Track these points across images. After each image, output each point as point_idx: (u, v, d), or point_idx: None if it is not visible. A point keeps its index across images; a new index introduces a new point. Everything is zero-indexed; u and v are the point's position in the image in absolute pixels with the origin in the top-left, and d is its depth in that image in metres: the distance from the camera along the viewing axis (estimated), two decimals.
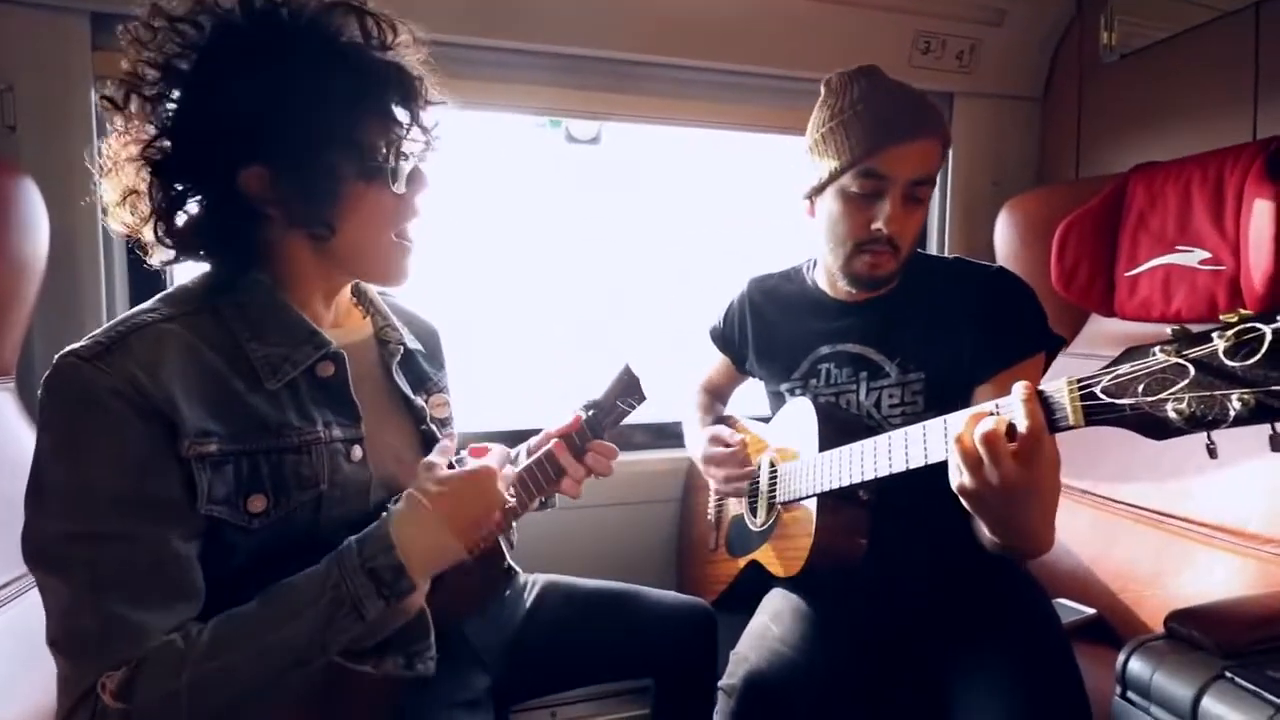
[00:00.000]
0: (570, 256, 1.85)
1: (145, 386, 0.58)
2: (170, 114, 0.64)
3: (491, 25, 1.33)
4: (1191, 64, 1.35)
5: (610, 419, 0.84)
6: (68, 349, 0.60)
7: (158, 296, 0.67)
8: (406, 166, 0.69)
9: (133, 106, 0.64)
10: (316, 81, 0.62)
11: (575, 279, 1.89)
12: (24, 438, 1.02)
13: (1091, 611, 1.12)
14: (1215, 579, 1.00)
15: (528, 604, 0.97)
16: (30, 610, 0.83)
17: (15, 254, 1.01)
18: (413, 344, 0.84)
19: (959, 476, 0.66)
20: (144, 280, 1.30)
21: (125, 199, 0.67)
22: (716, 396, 1.34)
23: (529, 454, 0.88)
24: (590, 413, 0.84)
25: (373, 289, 0.84)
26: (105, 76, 1.20)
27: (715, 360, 1.30)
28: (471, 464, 0.72)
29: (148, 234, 0.67)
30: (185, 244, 0.68)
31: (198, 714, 0.57)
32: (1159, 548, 1.09)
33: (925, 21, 1.52)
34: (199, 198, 0.66)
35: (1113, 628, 1.10)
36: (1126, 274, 1.26)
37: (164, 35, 0.62)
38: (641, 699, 1.36)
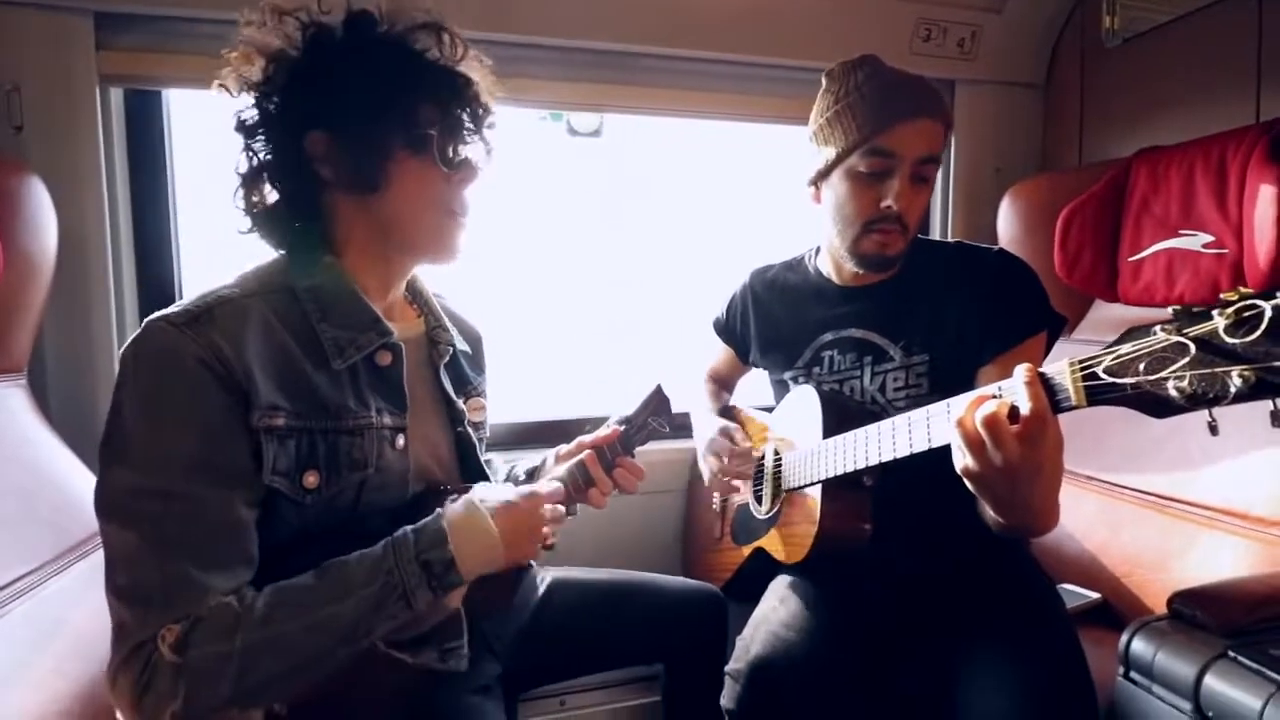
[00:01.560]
0: (573, 249, 1.86)
1: (228, 357, 0.62)
2: (263, 91, 0.72)
3: (491, 19, 1.33)
4: (1194, 47, 1.34)
5: (641, 436, 0.87)
6: (157, 314, 0.64)
7: (238, 275, 0.72)
8: (458, 153, 0.74)
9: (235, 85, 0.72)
10: (384, 68, 0.70)
11: (578, 272, 1.90)
12: (35, 434, 1.03)
13: (1096, 596, 1.13)
14: (1220, 562, 1.00)
15: (539, 595, 0.98)
16: (44, 604, 0.85)
17: (24, 253, 1.03)
18: (461, 345, 0.88)
19: (963, 459, 0.67)
20: (152, 279, 1.32)
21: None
22: (722, 386, 1.35)
23: (557, 459, 0.91)
24: (624, 428, 0.87)
25: (428, 289, 0.88)
26: (111, 76, 1.21)
27: (719, 351, 1.30)
28: (527, 488, 0.76)
29: (238, 200, 0.73)
30: (261, 219, 0.74)
31: (245, 678, 0.60)
32: (1163, 532, 1.09)
33: (926, 9, 1.52)
34: (273, 168, 0.72)
35: (1118, 612, 1.11)
36: (1129, 259, 1.26)
37: (274, 27, 0.71)
38: (650, 687, 1.37)
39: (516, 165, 1.60)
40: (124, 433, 0.61)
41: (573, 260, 1.87)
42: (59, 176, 1.13)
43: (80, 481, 1.03)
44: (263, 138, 0.72)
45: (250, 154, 0.72)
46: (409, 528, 0.69)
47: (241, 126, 0.72)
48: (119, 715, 0.70)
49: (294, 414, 0.66)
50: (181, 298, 1.20)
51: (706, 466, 1.16)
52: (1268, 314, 0.49)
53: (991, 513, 0.76)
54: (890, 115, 0.90)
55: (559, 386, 1.87)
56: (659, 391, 0.89)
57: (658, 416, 0.88)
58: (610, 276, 1.96)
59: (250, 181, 0.72)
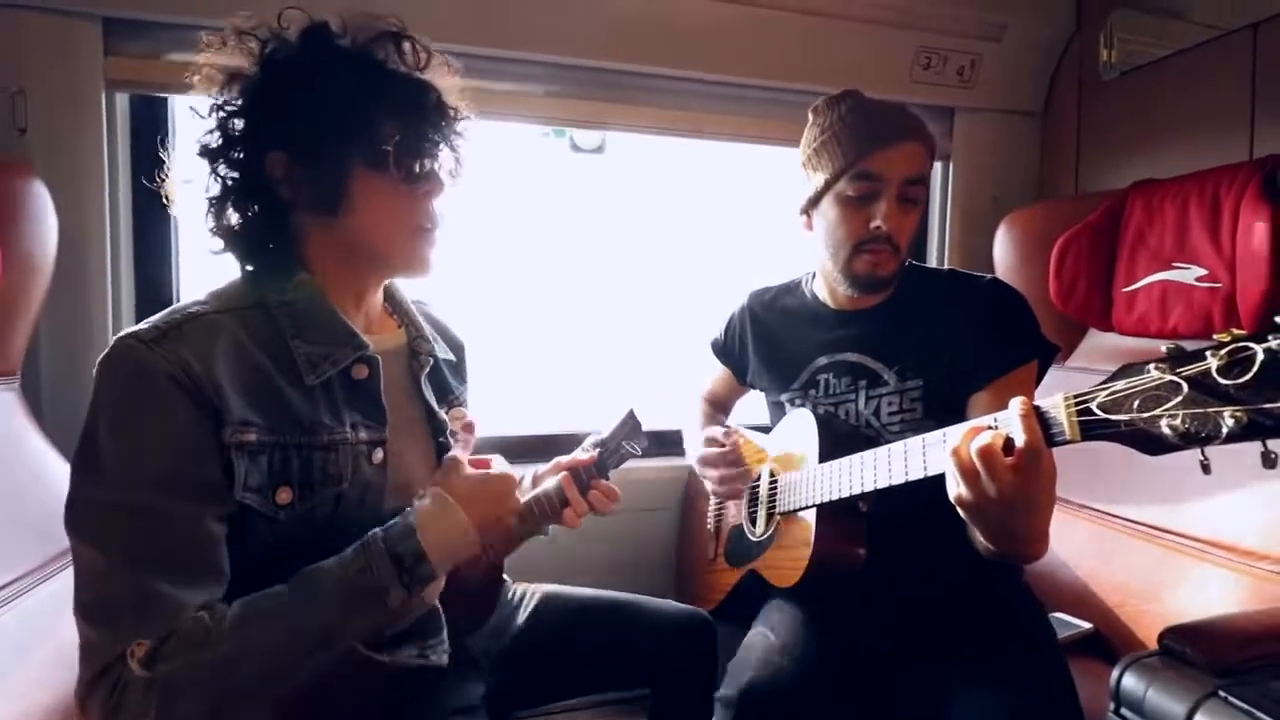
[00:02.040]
0: (574, 264, 1.86)
1: (197, 373, 0.62)
2: (224, 112, 0.71)
3: (496, 35, 1.34)
4: (1190, 82, 1.36)
5: (614, 459, 0.89)
6: (126, 331, 0.64)
7: (209, 291, 0.72)
8: (421, 166, 0.73)
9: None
10: (339, 83, 0.69)
11: (578, 287, 1.90)
12: (27, 438, 1.02)
13: (1088, 626, 1.12)
14: (1210, 595, 1.00)
15: (526, 613, 0.97)
16: (29, 613, 0.84)
17: (24, 255, 1.02)
18: (443, 354, 0.87)
19: (957, 488, 0.67)
20: (150, 283, 1.31)
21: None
22: (718, 407, 1.35)
23: (534, 482, 0.91)
24: (598, 451, 0.88)
25: (407, 299, 0.87)
26: (117, 81, 1.21)
27: (717, 372, 1.31)
28: (495, 472, 0.76)
29: (208, 222, 0.73)
30: (232, 238, 0.73)
31: (220, 688, 0.59)
32: (1155, 563, 1.09)
33: (926, 37, 1.54)
34: (238, 190, 0.71)
35: (1109, 642, 1.10)
36: (1124, 290, 1.27)
37: (235, 46, 0.70)
38: (638, 708, 1.36)
39: (519, 180, 1.61)
40: (94, 448, 0.61)
41: (573, 275, 1.88)
42: (61, 180, 1.13)
43: None
44: (224, 160, 0.71)
45: (215, 177, 0.71)
46: (378, 528, 0.68)
47: (205, 151, 0.71)
48: None
49: (266, 429, 0.66)
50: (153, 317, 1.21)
51: (707, 481, 1.16)
52: (1260, 357, 0.49)
53: (982, 539, 0.76)
54: (873, 140, 0.93)
55: (558, 400, 1.87)
56: (631, 415, 0.91)
57: (631, 440, 0.90)
58: (610, 292, 1.97)
59: (218, 203, 0.72)
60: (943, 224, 1.69)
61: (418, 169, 0.72)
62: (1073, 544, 1.21)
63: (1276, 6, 1.20)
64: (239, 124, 0.70)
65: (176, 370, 0.61)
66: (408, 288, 0.89)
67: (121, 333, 0.64)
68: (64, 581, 0.90)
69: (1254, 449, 0.51)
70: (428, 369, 0.84)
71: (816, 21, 1.46)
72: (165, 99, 1.30)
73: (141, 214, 1.29)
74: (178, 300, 1.32)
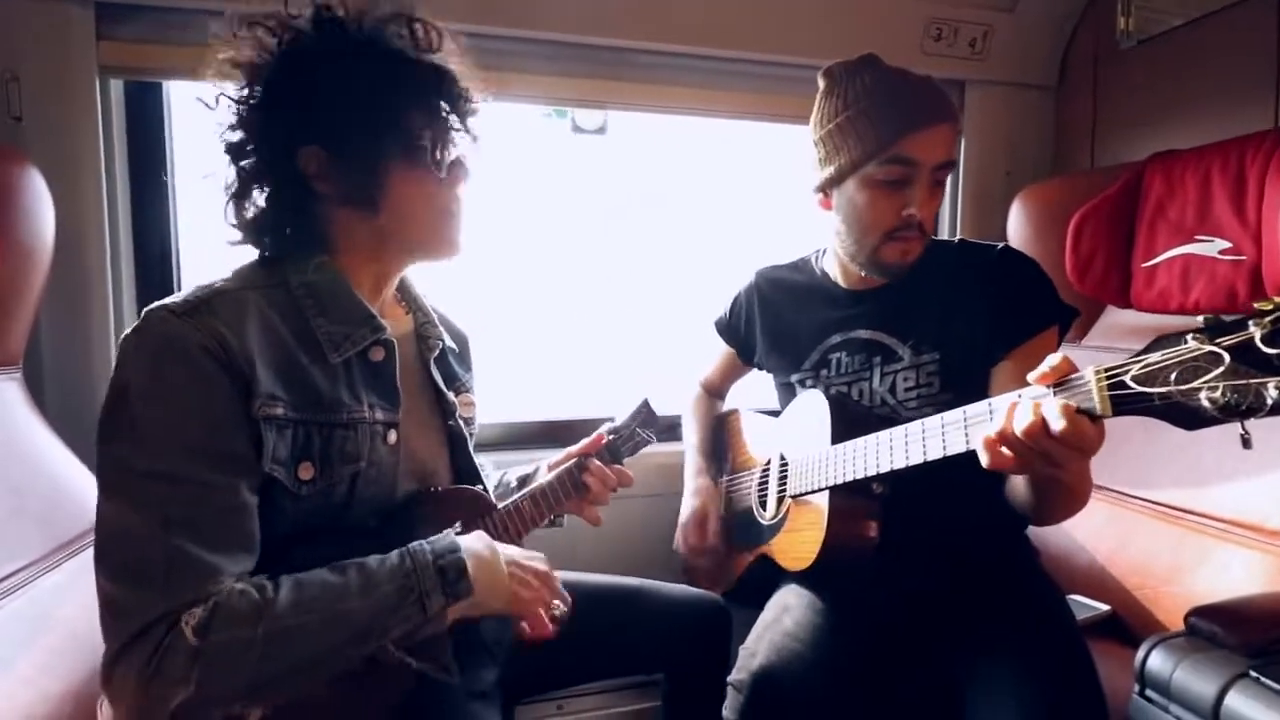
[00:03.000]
0: (576, 247, 1.84)
1: (231, 345, 0.63)
2: (245, 106, 0.71)
3: (496, 13, 1.31)
4: (1211, 50, 1.32)
5: (629, 446, 0.91)
6: (157, 304, 0.64)
7: (232, 271, 0.72)
8: (449, 155, 0.74)
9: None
10: (367, 76, 0.69)
11: (581, 270, 1.88)
12: (30, 428, 1.01)
13: (1106, 608, 1.11)
14: (1233, 576, 0.98)
15: None
16: (34, 602, 0.83)
17: (21, 244, 1.01)
18: (449, 342, 0.89)
19: (997, 461, 0.65)
20: (151, 271, 1.30)
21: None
22: (716, 393, 1.34)
23: (549, 469, 0.93)
24: (612, 437, 0.90)
25: (417, 287, 0.88)
26: (111, 66, 1.19)
27: (718, 354, 1.29)
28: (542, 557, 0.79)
29: (228, 216, 0.73)
30: (252, 228, 0.74)
31: (264, 667, 0.59)
32: (1176, 544, 1.07)
33: (937, 8, 1.49)
34: (265, 182, 0.72)
35: (1127, 625, 1.09)
36: (1143, 265, 1.24)
37: (246, 38, 0.70)
38: (650, 692, 1.35)
39: (520, 162, 1.58)
40: (129, 415, 0.61)
41: (576, 258, 1.85)
42: (57, 168, 1.11)
43: (74, 477, 1.01)
44: (252, 154, 0.71)
45: (239, 170, 0.72)
46: (424, 541, 0.70)
47: (231, 147, 0.71)
48: (105, 709, 0.69)
49: (291, 405, 0.67)
50: (180, 291, 1.21)
51: (681, 545, 1.17)
52: None
53: (1026, 497, 0.79)
54: (909, 122, 0.87)
55: (563, 385, 1.85)
56: (646, 404, 0.93)
57: (645, 428, 0.92)
58: (614, 275, 1.95)
59: (240, 196, 0.72)
60: (954, 201, 1.65)
61: (449, 158, 0.74)
62: (1090, 526, 1.19)
63: None
64: (264, 118, 0.70)
65: (210, 342, 0.62)
66: (418, 280, 0.90)
67: (152, 305, 0.64)
68: (68, 572, 0.90)
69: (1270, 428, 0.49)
70: (436, 353, 0.85)
71: None
72: (160, 84, 1.28)
73: (139, 201, 1.28)
74: (179, 287, 1.31)
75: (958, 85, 1.60)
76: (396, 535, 0.72)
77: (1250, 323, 0.49)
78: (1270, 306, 0.49)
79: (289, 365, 0.68)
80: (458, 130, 0.74)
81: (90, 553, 0.89)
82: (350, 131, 0.69)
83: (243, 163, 0.71)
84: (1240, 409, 0.49)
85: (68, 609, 0.86)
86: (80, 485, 1.00)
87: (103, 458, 0.62)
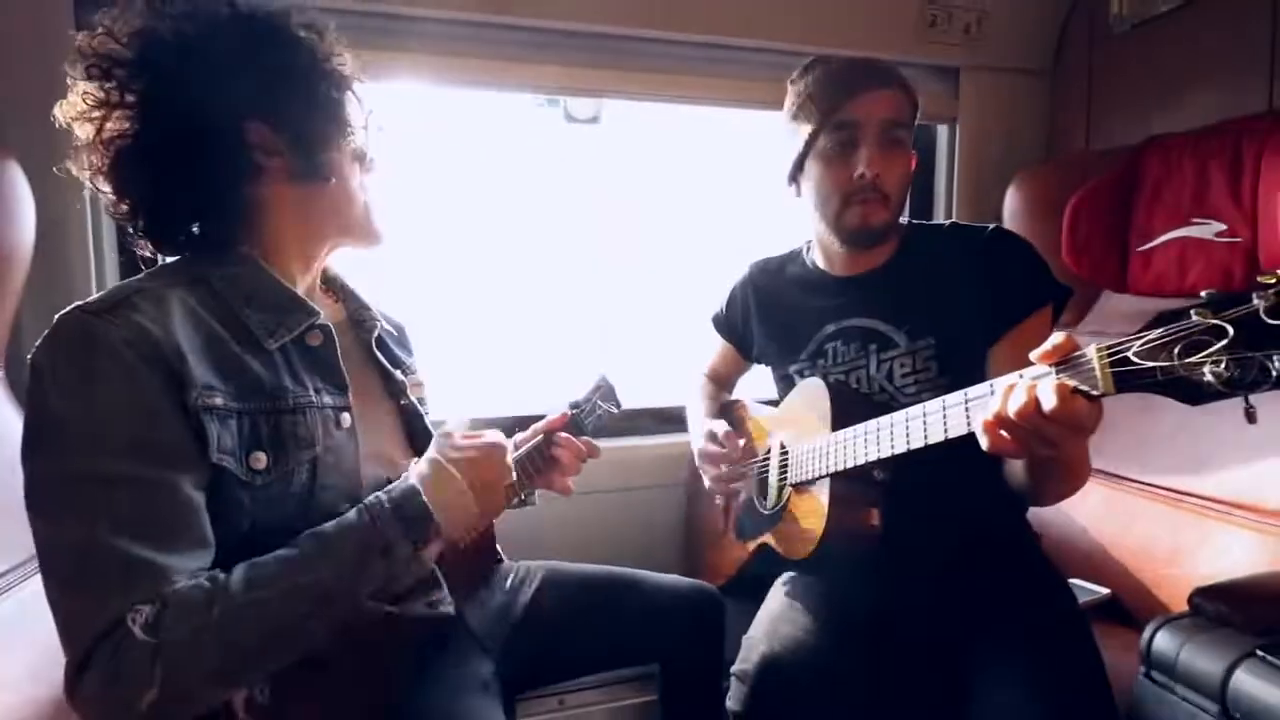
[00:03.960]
0: (570, 238, 1.82)
1: (156, 338, 0.60)
2: (158, 89, 0.67)
3: (487, 1, 1.29)
4: (1205, 32, 1.31)
5: (591, 420, 0.93)
6: (71, 306, 0.61)
7: (145, 273, 0.70)
8: (372, 142, 0.77)
9: (107, 87, 0.67)
10: (298, 55, 0.70)
11: (574, 261, 1.87)
12: (13, 429, 0.99)
13: (1106, 592, 1.10)
14: (1234, 558, 0.98)
15: (531, 591, 0.96)
16: (20, 604, 0.82)
17: (1, 243, 0.99)
18: (386, 325, 0.89)
19: (996, 445, 0.64)
20: (135, 270, 1.27)
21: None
22: (721, 384, 1.32)
23: (516, 448, 0.91)
24: (574, 411, 0.92)
25: (342, 275, 0.87)
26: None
27: (718, 347, 1.28)
28: (485, 440, 0.77)
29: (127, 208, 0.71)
30: (163, 220, 0.72)
31: (227, 650, 0.58)
32: (1175, 526, 1.07)
33: None
34: (194, 160, 0.68)
35: (1128, 608, 1.08)
36: (1140, 249, 1.23)
37: (153, 19, 0.67)
38: (649, 685, 1.35)
39: (512, 151, 1.57)
40: (53, 423, 0.58)
41: (568, 248, 1.84)
42: (37, 161, 1.08)
43: None
44: (185, 130, 0.67)
45: (152, 150, 0.67)
46: (380, 492, 0.69)
47: (151, 122, 0.67)
48: None
49: (231, 395, 0.64)
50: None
51: (704, 476, 1.14)
52: None
53: (1021, 478, 0.80)
54: (846, 91, 0.93)
55: (550, 377, 1.84)
56: (604, 379, 0.95)
57: (606, 401, 0.93)
58: (607, 265, 1.93)
59: (149, 181, 0.69)
60: (950, 187, 1.64)
61: (372, 146, 0.77)
62: (1089, 509, 1.18)
63: None
64: (198, 92, 0.66)
65: (132, 335, 0.60)
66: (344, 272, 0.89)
67: (65, 309, 0.61)
68: None
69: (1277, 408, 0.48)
70: (375, 334, 0.85)
71: None
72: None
73: None
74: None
75: (952, 72, 1.60)
76: None
77: (1254, 295, 0.49)
78: (1274, 279, 0.48)
79: (222, 356, 0.65)
80: (372, 124, 0.77)
81: None
82: (297, 106, 0.70)
83: (169, 141, 0.67)
84: (1245, 383, 0.49)
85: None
86: None
87: (30, 472, 0.59)
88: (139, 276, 0.68)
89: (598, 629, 0.95)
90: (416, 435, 0.85)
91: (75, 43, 0.68)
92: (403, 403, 0.85)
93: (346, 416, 0.74)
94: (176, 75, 0.66)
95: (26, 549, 0.87)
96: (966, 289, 0.93)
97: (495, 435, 0.78)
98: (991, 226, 0.99)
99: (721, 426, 1.10)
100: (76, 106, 0.68)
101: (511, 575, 0.97)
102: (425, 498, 0.68)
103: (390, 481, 0.73)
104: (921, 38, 1.51)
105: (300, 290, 0.75)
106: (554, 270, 1.82)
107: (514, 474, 0.78)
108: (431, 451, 0.73)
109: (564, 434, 0.90)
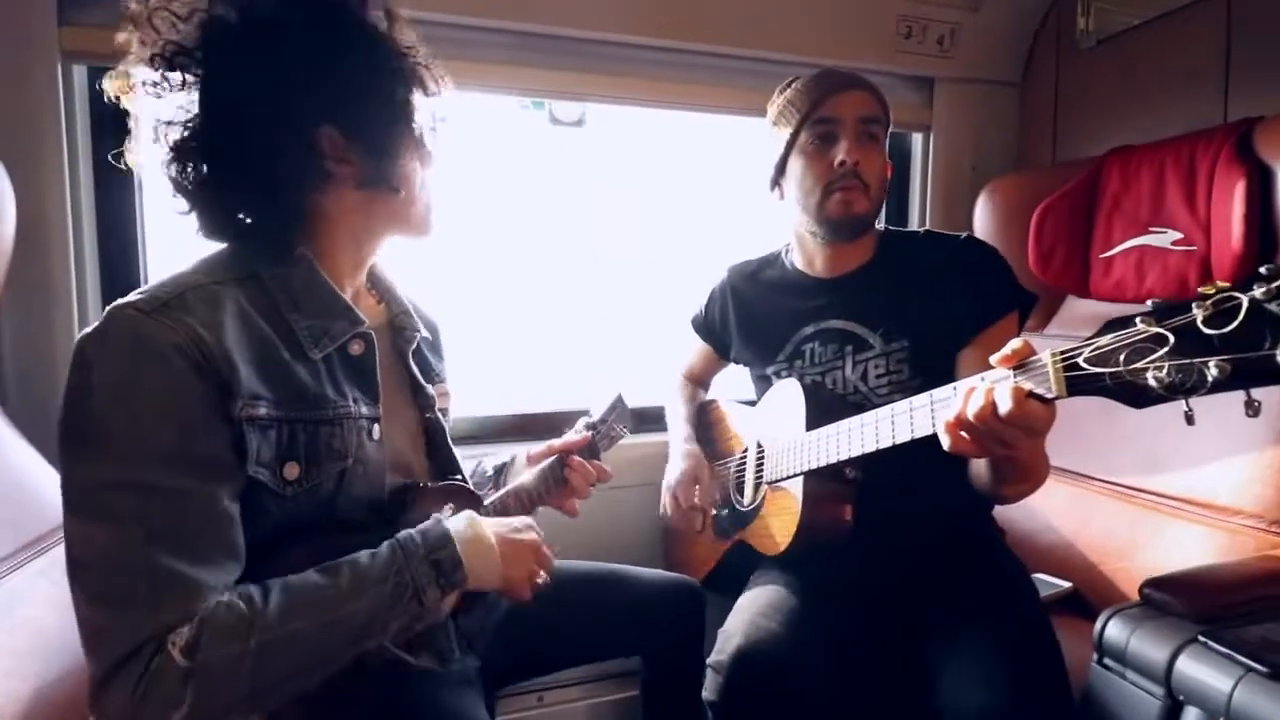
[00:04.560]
0: (553, 239, 1.84)
1: (208, 344, 0.59)
2: (225, 83, 0.65)
3: (473, 3, 1.30)
4: (1165, 49, 1.37)
5: (605, 441, 0.93)
6: (123, 301, 0.60)
7: (198, 261, 0.68)
8: (435, 139, 0.75)
9: (171, 80, 0.65)
10: (373, 57, 0.68)
11: (557, 261, 1.88)
12: None
13: (1068, 585, 1.15)
14: (1186, 551, 1.03)
15: None
16: (2, 600, 0.81)
17: None
18: (424, 332, 0.87)
19: (957, 445, 0.68)
20: (116, 265, 1.27)
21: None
22: (698, 384, 1.35)
23: (529, 460, 0.93)
24: (592, 434, 0.92)
25: (388, 277, 0.86)
26: (73, 52, 1.16)
27: (697, 348, 1.31)
28: (526, 522, 0.78)
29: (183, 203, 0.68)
30: (226, 214, 0.69)
31: (260, 680, 0.57)
32: (1133, 521, 1.12)
33: (906, 6, 1.53)
34: (262, 163, 0.66)
35: (1089, 600, 1.13)
36: (1101, 256, 1.28)
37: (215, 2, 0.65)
38: (629, 681, 1.37)
39: (497, 153, 1.58)
40: (95, 424, 0.57)
41: (552, 250, 1.85)
42: (17, 158, 1.07)
43: (38, 474, 0.99)
44: (254, 133, 0.65)
45: (223, 149, 0.66)
46: (412, 530, 0.69)
47: (220, 124, 0.65)
48: None
49: (274, 403, 0.64)
50: (144, 287, 1.17)
51: (663, 498, 1.17)
52: (1245, 306, 0.50)
53: (983, 478, 0.84)
54: (823, 91, 0.99)
55: (539, 377, 1.85)
56: (620, 399, 0.95)
57: (620, 422, 0.94)
58: (590, 267, 1.95)
59: (220, 180, 0.67)
60: (924, 193, 1.69)
61: (434, 142, 0.75)
62: (1053, 506, 1.23)
63: None
64: (269, 95, 0.64)
65: (185, 341, 0.58)
66: (388, 269, 0.88)
67: (116, 303, 0.59)
68: (33, 571, 0.88)
69: (1224, 409, 0.52)
70: (413, 345, 0.84)
71: None
72: (126, 72, 1.24)
73: (104, 194, 1.24)
74: (146, 282, 1.28)
75: (926, 82, 1.64)
76: (384, 530, 0.70)
77: (1194, 306, 0.52)
78: (1213, 291, 0.52)
79: (272, 362, 0.65)
80: (441, 118, 0.75)
81: (57, 551, 0.88)
82: (371, 112, 0.68)
83: (233, 142, 0.65)
84: (1184, 387, 0.52)
85: (33, 609, 0.84)
86: (44, 483, 0.98)
87: (68, 471, 0.58)
88: (191, 268, 0.66)
89: (582, 622, 0.97)
90: (436, 447, 0.85)
91: (128, 11, 0.65)
92: (428, 415, 0.84)
93: (377, 428, 0.74)
94: (243, 74, 0.64)
95: (5, 547, 0.86)
96: (939, 294, 0.98)
97: (533, 531, 0.78)
98: (964, 235, 1.04)
99: (707, 475, 1.15)
100: (127, 81, 0.66)
101: None
102: (460, 552, 0.68)
103: (408, 487, 0.75)
104: (897, 48, 1.56)
105: (348, 292, 0.75)
106: (538, 271, 1.84)
107: (544, 577, 0.78)
108: (483, 524, 0.73)
109: (577, 457, 0.89)
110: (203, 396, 0.59)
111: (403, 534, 0.68)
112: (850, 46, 1.53)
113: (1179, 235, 1.17)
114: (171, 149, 0.66)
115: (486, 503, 0.87)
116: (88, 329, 0.59)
